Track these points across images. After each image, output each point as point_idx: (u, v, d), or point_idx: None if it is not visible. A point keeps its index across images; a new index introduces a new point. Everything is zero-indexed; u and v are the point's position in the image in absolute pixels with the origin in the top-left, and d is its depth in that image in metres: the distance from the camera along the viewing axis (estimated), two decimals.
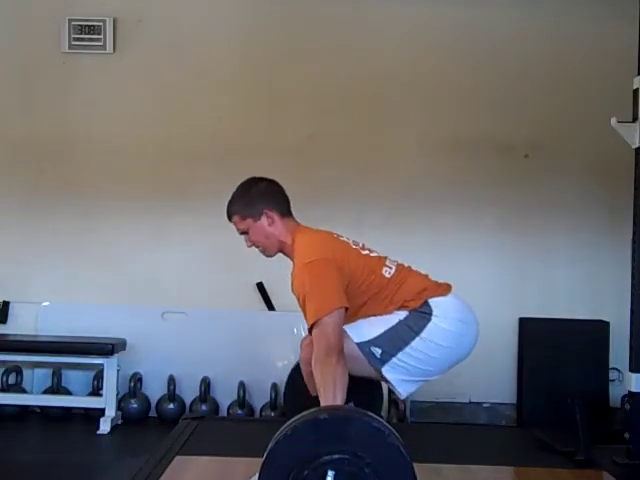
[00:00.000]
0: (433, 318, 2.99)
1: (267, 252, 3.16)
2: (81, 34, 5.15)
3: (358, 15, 5.16)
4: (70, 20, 5.14)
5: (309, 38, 5.18)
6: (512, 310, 5.11)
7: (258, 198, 3.10)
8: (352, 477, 2.23)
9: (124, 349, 4.88)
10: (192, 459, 3.27)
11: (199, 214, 5.16)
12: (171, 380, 4.94)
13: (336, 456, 2.23)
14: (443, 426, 4.64)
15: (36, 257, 5.17)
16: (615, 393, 4.84)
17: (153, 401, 4.99)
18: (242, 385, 4.92)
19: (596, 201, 5.14)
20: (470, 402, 5.16)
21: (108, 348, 4.72)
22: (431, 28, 5.15)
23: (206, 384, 4.93)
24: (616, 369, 4.90)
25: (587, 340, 4.99)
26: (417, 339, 2.98)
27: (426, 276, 3.15)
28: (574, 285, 5.14)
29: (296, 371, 3.55)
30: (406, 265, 3.15)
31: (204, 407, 4.89)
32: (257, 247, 3.15)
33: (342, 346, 2.81)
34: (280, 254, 3.16)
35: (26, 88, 5.23)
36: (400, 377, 3.02)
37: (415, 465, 2.25)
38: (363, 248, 3.12)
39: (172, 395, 4.92)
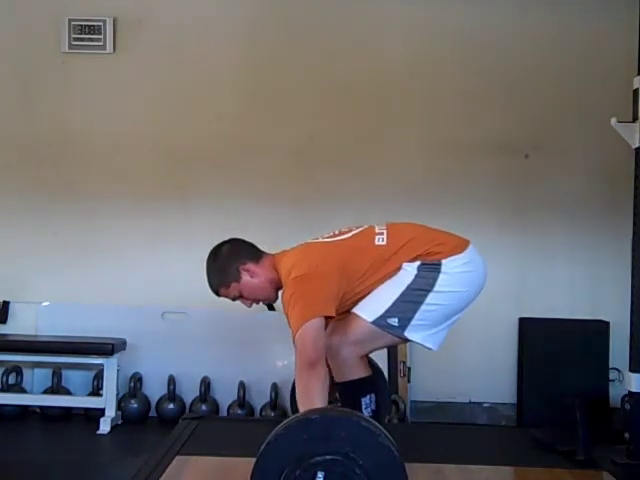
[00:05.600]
0: (443, 268, 2.94)
1: (269, 300, 3.19)
2: (81, 34, 5.15)
3: (359, 16, 5.16)
4: (70, 20, 5.13)
5: (309, 39, 5.18)
6: (512, 310, 5.11)
7: (228, 261, 3.12)
8: (343, 478, 2.22)
9: (124, 349, 4.88)
10: (192, 459, 3.27)
11: (199, 214, 5.17)
12: (171, 380, 4.94)
13: (327, 457, 2.23)
14: (443, 426, 4.64)
15: (36, 257, 5.17)
16: (615, 393, 4.83)
17: (153, 401, 4.99)
18: (242, 385, 4.92)
19: (596, 201, 5.13)
20: (470, 402, 5.16)
21: (108, 348, 4.72)
22: (431, 28, 5.14)
23: (206, 384, 4.93)
24: (616, 369, 4.90)
25: (587, 340, 4.99)
26: (431, 294, 2.93)
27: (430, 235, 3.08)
28: (574, 285, 5.14)
29: None
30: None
31: (204, 407, 4.89)
32: (258, 302, 3.18)
33: (323, 355, 2.81)
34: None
35: (26, 88, 5.23)
36: (424, 334, 2.97)
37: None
38: (348, 232, 3.08)
39: (172, 395, 4.92)
